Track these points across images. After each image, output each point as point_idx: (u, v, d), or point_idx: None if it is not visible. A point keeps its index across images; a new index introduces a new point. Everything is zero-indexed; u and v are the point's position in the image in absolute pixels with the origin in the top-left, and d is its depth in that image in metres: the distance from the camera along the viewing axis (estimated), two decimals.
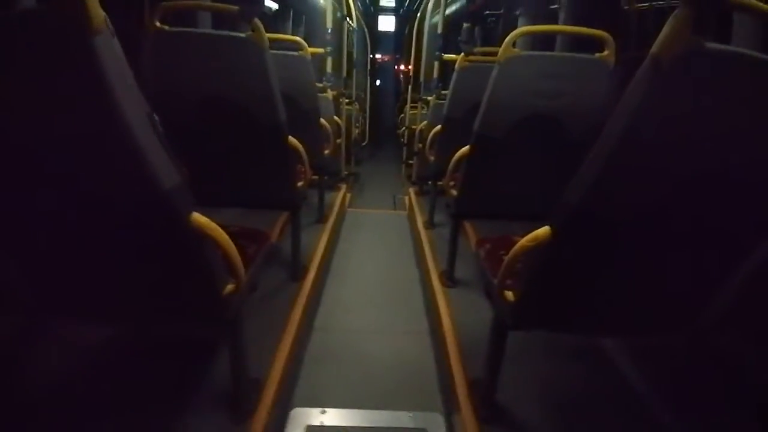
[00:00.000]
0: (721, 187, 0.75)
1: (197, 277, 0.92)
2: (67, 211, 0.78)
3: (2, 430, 1.06)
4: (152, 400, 1.17)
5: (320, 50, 3.03)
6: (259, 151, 1.56)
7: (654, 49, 0.67)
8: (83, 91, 0.65)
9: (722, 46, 0.67)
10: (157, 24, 1.33)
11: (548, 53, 1.50)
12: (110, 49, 0.64)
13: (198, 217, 0.82)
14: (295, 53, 2.16)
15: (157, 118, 1.53)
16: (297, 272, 1.91)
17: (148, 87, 1.38)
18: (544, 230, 0.88)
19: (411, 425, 1.31)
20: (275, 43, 2.36)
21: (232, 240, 0.94)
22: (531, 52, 1.47)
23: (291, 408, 1.34)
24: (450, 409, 1.35)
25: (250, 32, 1.33)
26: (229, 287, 0.98)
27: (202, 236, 0.84)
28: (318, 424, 1.29)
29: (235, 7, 1.34)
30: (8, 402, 1.12)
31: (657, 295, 0.96)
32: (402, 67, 7.03)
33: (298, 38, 2.23)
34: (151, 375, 1.25)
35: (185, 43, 1.37)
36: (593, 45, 1.46)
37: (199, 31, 1.47)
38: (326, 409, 1.34)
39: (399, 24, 7.83)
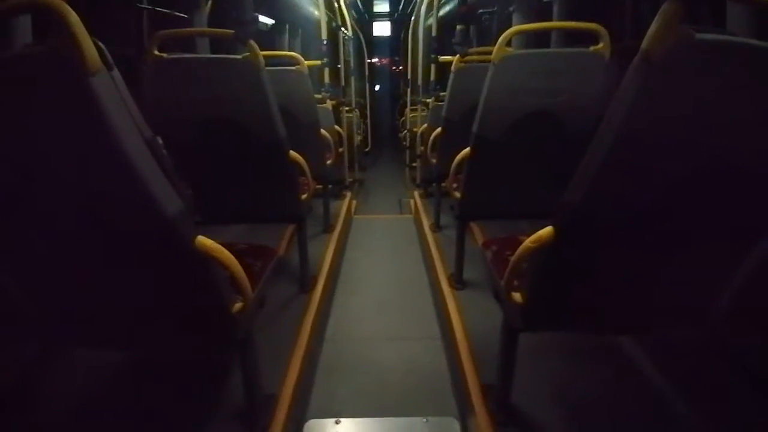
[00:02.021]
0: (724, 179, 0.74)
1: (205, 298, 0.93)
2: (72, 242, 0.80)
3: None
4: (166, 420, 1.18)
5: (317, 62, 3.06)
6: (261, 167, 1.58)
7: (644, 44, 0.66)
8: (81, 129, 0.66)
9: (714, 36, 0.66)
10: (155, 52, 1.36)
11: (542, 50, 1.50)
12: (107, 86, 0.65)
13: (203, 240, 0.84)
14: (292, 68, 2.18)
15: (160, 141, 1.56)
16: (305, 284, 1.92)
17: (151, 112, 1.41)
18: (547, 230, 0.87)
19: (426, 431, 1.30)
20: (272, 60, 2.40)
21: (239, 257, 0.95)
22: (525, 51, 1.47)
23: (305, 421, 1.34)
24: (465, 413, 1.34)
25: (246, 53, 1.35)
26: (237, 306, 0.99)
27: (207, 258, 0.85)
28: None
29: (230, 31, 1.36)
30: (27, 427, 1.15)
31: (664, 291, 0.94)
32: (394, 68, 7.10)
33: (294, 54, 2.26)
34: (164, 395, 1.27)
35: (183, 69, 1.40)
36: (589, 37, 1.45)
37: (196, 56, 1.50)
38: (341, 420, 1.34)
39: (394, 28, 7.87)
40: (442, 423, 1.33)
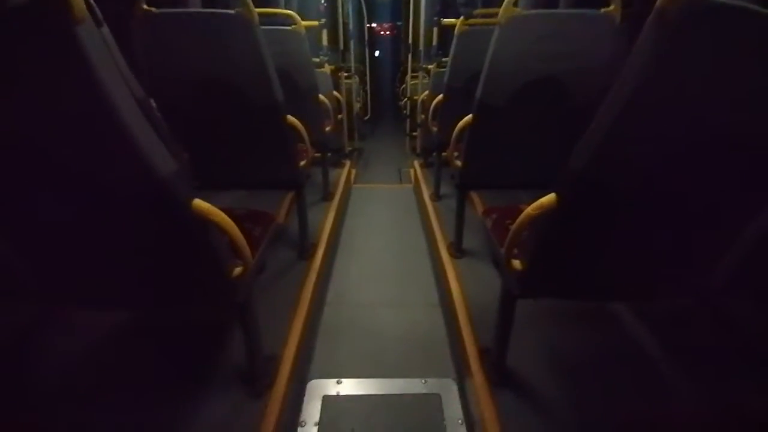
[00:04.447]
0: (731, 148, 0.73)
1: (203, 261, 0.94)
2: (67, 200, 0.79)
3: (29, 410, 1.12)
4: (170, 381, 1.22)
5: (314, 23, 2.94)
6: (258, 131, 1.55)
7: (659, 2, 0.63)
8: (70, 80, 0.65)
9: (730, 1, 0.63)
10: (144, 6, 1.30)
11: (551, 11, 1.43)
12: (94, 38, 0.63)
13: (200, 203, 0.83)
14: (289, 28, 2.10)
15: (153, 103, 1.52)
16: (305, 251, 1.93)
17: (143, 72, 1.36)
18: (549, 198, 0.87)
19: (425, 391, 1.36)
20: (267, 18, 2.30)
21: (238, 222, 0.95)
22: (533, 11, 1.40)
23: (308, 381, 1.39)
24: (462, 375, 1.39)
25: (239, 8, 1.29)
26: (237, 270, 1.00)
27: (205, 221, 0.85)
28: (334, 393, 1.34)
29: None
30: (28, 384, 1.18)
31: (663, 260, 0.95)
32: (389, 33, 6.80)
33: (290, 12, 2.16)
34: (168, 356, 1.30)
35: (173, 24, 1.33)
36: (599, 1, 1.39)
37: (185, 10, 1.43)
38: (342, 380, 1.39)
39: None
40: (440, 384, 1.38)
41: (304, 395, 1.33)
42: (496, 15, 1.40)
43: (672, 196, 0.80)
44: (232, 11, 1.30)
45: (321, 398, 1.32)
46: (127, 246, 0.90)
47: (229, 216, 0.92)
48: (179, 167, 0.79)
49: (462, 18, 2.04)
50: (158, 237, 0.88)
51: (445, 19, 3.09)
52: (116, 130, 0.68)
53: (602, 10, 1.36)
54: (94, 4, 0.69)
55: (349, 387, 1.37)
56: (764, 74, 0.67)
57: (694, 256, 0.94)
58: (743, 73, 0.67)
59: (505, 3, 1.35)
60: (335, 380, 1.39)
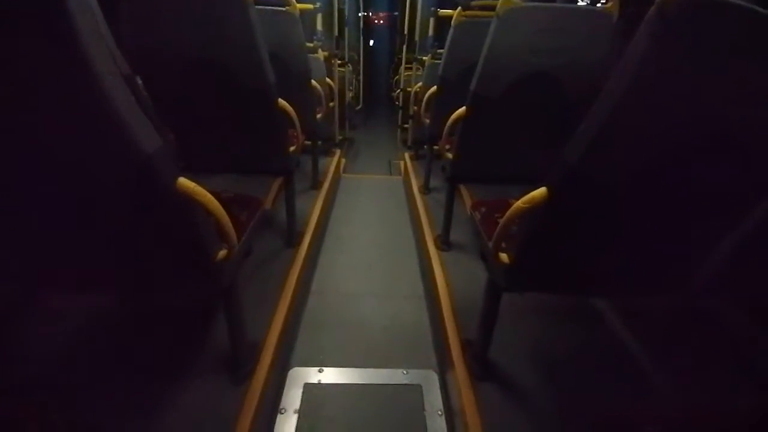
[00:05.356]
0: (723, 147, 0.73)
1: (187, 243, 0.91)
2: (48, 178, 0.76)
3: (8, 397, 1.09)
4: (151, 366, 1.20)
5: (309, 6, 2.87)
6: (248, 114, 1.51)
7: None
8: (55, 51, 0.62)
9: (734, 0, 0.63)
10: None
11: (550, 5, 1.42)
12: (84, 10, 0.61)
13: (184, 182, 0.80)
14: (283, 9, 2.04)
15: (140, 81, 1.45)
16: (292, 238, 1.90)
17: (130, 51, 1.31)
18: (540, 191, 0.86)
19: (406, 381, 1.36)
20: None
21: (224, 206, 0.93)
22: (531, 3, 1.39)
23: (289, 368, 1.38)
24: (444, 367, 1.39)
25: None
26: (222, 253, 0.98)
27: (190, 202, 0.82)
28: (315, 381, 1.33)
29: None
30: (9, 370, 1.14)
31: (649, 257, 0.96)
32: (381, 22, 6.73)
33: None
34: (150, 342, 1.27)
35: (162, 2, 1.28)
36: None
37: None
38: (323, 368, 1.38)
39: None
40: (421, 375, 1.39)
41: (285, 382, 1.32)
42: (494, 7, 1.39)
43: (662, 194, 0.81)
44: None
45: (302, 386, 1.31)
46: (109, 226, 0.86)
47: (216, 199, 0.89)
48: (164, 145, 0.76)
49: (459, 9, 2.02)
50: (142, 217, 0.85)
51: (442, 10, 3.06)
52: (100, 103, 0.65)
53: (599, 5, 1.36)
54: None
55: (330, 376, 1.36)
56: (760, 74, 0.67)
57: (680, 254, 0.96)
58: (739, 73, 0.67)
59: None
60: (317, 368, 1.38)
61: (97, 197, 0.80)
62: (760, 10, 0.65)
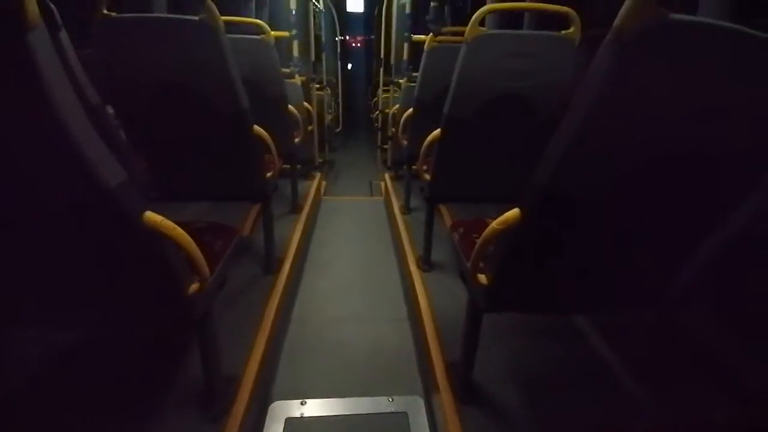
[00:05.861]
0: (688, 163, 0.76)
1: (156, 278, 0.88)
2: (12, 213, 0.72)
3: None
4: (124, 402, 1.14)
5: (284, 33, 2.92)
6: (222, 141, 1.50)
7: (617, 21, 0.65)
8: (17, 88, 0.61)
9: (688, 17, 0.66)
10: (104, 11, 1.24)
11: (515, 32, 1.48)
12: (46, 45, 0.60)
13: (151, 216, 0.78)
14: (257, 37, 2.06)
15: (112, 110, 1.43)
16: (271, 265, 1.87)
17: (101, 78, 1.29)
18: (513, 213, 0.87)
19: (391, 409, 1.32)
20: (235, 27, 2.26)
21: (197, 236, 0.90)
22: (498, 31, 1.45)
23: (270, 402, 1.32)
24: (429, 391, 1.36)
25: (203, 15, 1.25)
26: (194, 286, 0.94)
27: (157, 235, 0.80)
28: (298, 415, 1.28)
29: None
30: None
31: (625, 272, 0.98)
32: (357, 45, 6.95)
33: (258, 21, 2.13)
34: (122, 377, 1.21)
35: (134, 30, 1.28)
36: (560, 24, 1.45)
37: (146, 15, 1.37)
38: (306, 401, 1.33)
39: (368, 4, 7.63)
40: (407, 401, 1.35)
41: (265, 418, 1.27)
42: (463, 33, 1.44)
43: (631, 211, 0.83)
44: (195, 17, 1.26)
45: (284, 421, 1.26)
46: (75, 261, 0.83)
47: (189, 229, 0.87)
48: (129, 178, 0.74)
49: (431, 35, 2.08)
50: (108, 251, 0.82)
51: (415, 35, 3.16)
52: (61, 139, 0.64)
53: (562, 32, 1.43)
54: (54, 8, 0.66)
55: (313, 408, 1.31)
56: (723, 90, 0.69)
57: (653, 268, 0.97)
58: (700, 89, 0.69)
59: (471, 22, 1.38)
60: (299, 401, 1.33)
61: (61, 233, 0.77)
62: (715, 22, 0.68)
